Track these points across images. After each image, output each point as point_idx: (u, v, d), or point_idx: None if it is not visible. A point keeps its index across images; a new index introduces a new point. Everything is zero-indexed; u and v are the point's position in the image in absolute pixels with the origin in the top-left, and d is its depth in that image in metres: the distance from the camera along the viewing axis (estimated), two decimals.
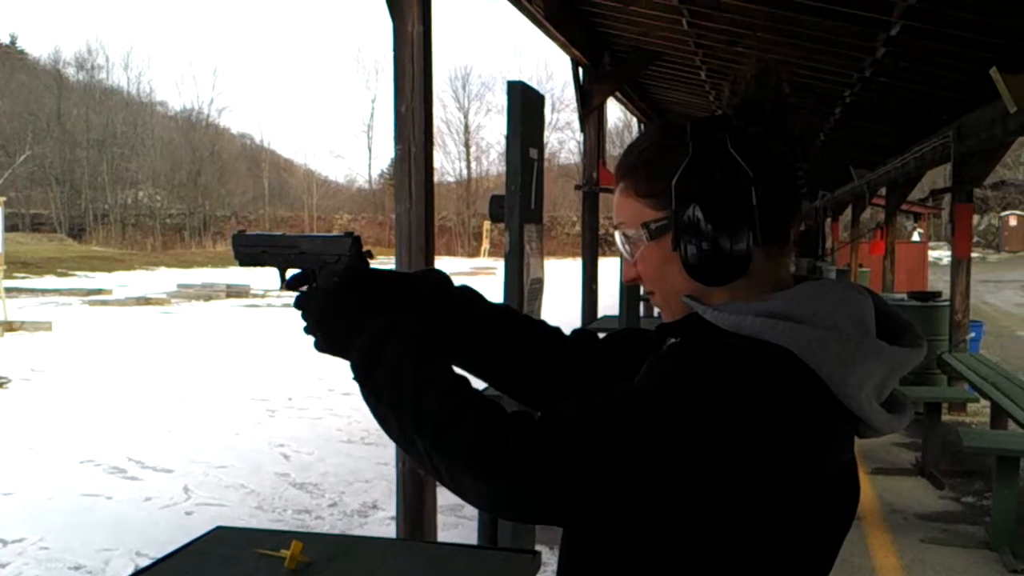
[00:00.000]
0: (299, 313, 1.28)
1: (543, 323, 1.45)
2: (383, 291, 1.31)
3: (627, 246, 1.19)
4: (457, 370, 1.18)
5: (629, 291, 7.23)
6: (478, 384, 1.18)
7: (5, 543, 5.18)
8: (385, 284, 1.32)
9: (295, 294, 1.32)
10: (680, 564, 1.05)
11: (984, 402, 7.18)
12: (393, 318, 1.21)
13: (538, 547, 2.60)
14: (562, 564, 1.21)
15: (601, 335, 1.45)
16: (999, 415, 6.80)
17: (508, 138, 3.43)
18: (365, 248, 1.34)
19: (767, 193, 1.08)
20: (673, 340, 1.20)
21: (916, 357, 1.13)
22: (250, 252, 1.42)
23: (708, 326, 1.10)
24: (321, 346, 1.26)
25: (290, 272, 1.39)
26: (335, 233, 1.38)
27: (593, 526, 1.10)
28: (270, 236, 1.41)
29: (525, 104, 3.40)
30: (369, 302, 1.25)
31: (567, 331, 1.46)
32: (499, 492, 1.03)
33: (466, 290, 1.41)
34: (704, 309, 1.11)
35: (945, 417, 7.35)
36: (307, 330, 1.27)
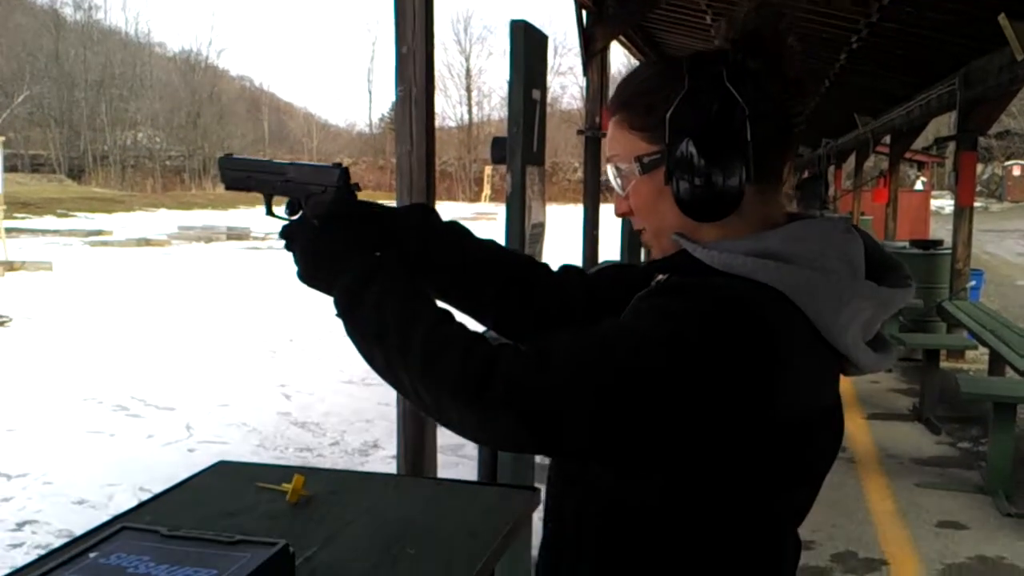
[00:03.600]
0: (283, 243, 1.28)
1: (530, 258, 1.45)
2: (369, 226, 1.31)
3: (619, 180, 1.18)
4: (442, 305, 1.19)
5: (630, 237, 7.22)
6: (464, 320, 1.18)
7: (9, 477, 5.24)
8: (371, 219, 1.32)
9: (281, 226, 1.32)
10: (661, 493, 1.07)
11: (983, 349, 7.21)
12: (377, 255, 1.22)
13: (537, 484, 2.63)
14: (550, 493, 1.23)
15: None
16: (997, 362, 6.83)
17: (510, 79, 3.39)
18: (353, 181, 1.33)
19: (762, 129, 1.07)
20: (661, 277, 1.21)
21: (905, 297, 1.13)
22: (236, 176, 1.41)
23: (697, 264, 1.10)
24: (304, 278, 1.26)
25: (277, 202, 1.38)
26: (324, 163, 1.36)
27: (576, 455, 1.11)
28: (257, 161, 1.40)
29: (528, 44, 3.37)
30: (354, 238, 1.25)
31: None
32: (486, 420, 1.04)
33: (453, 225, 1.40)
34: (694, 247, 1.10)
35: (943, 364, 7.38)
36: (294, 260, 1.27)
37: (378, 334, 1.13)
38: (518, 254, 1.45)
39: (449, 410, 1.07)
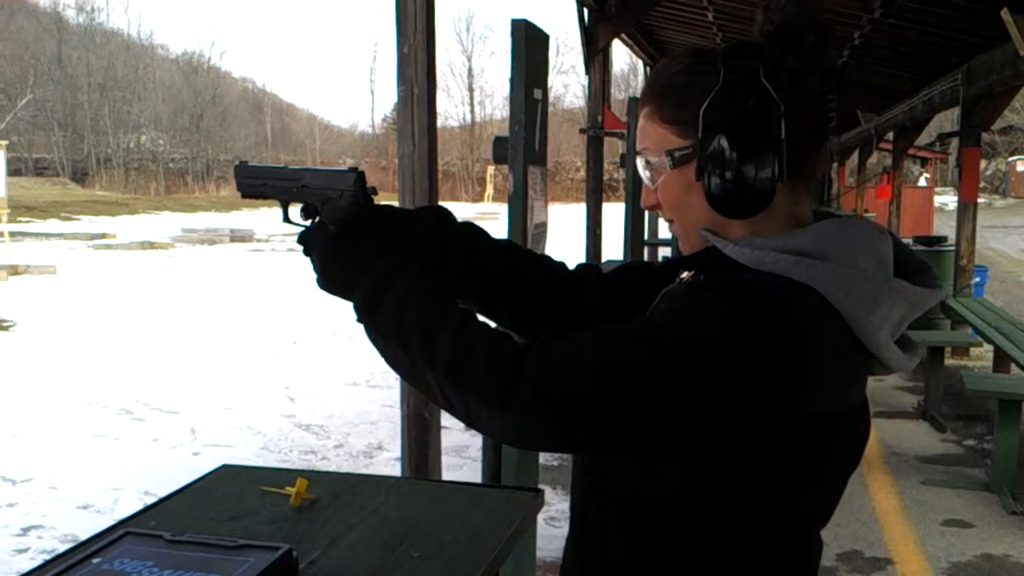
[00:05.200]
0: (301, 249, 1.28)
1: (548, 257, 1.44)
2: (386, 230, 1.30)
3: (648, 172, 1.16)
4: (461, 305, 1.18)
5: (633, 236, 7.21)
6: (483, 320, 1.18)
7: (14, 483, 5.24)
8: (388, 222, 1.32)
9: (298, 233, 1.31)
10: (686, 491, 1.06)
11: (987, 346, 7.19)
12: (397, 258, 1.21)
13: (541, 486, 2.62)
14: (575, 490, 1.23)
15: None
16: (1002, 359, 6.81)
17: (512, 78, 3.38)
18: (370, 184, 1.32)
19: (796, 127, 1.06)
20: (687, 274, 1.20)
21: (935, 297, 1.12)
22: (252, 184, 1.40)
23: (727, 260, 1.09)
24: (323, 285, 1.25)
25: (293, 208, 1.37)
26: (339, 168, 1.36)
27: (605, 453, 1.11)
28: (273, 168, 1.39)
29: (529, 43, 3.36)
30: (372, 242, 1.25)
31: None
32: (515, 419, 1.04)
33: (469, 225, 1.40)
34: (724, 244, 1.09)
35: (948, 361, 7.37)
36: (313, 268, 1.27)
37: (401, 338, 1.12)
38: (534, 253, 1.44)
39: (477, 411, 1.07)
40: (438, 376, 1.08)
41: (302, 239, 1.29)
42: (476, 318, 1.13)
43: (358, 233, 1.26)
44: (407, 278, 1.17)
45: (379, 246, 1.24)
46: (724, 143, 1.05)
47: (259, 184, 1.39)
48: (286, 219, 1.38)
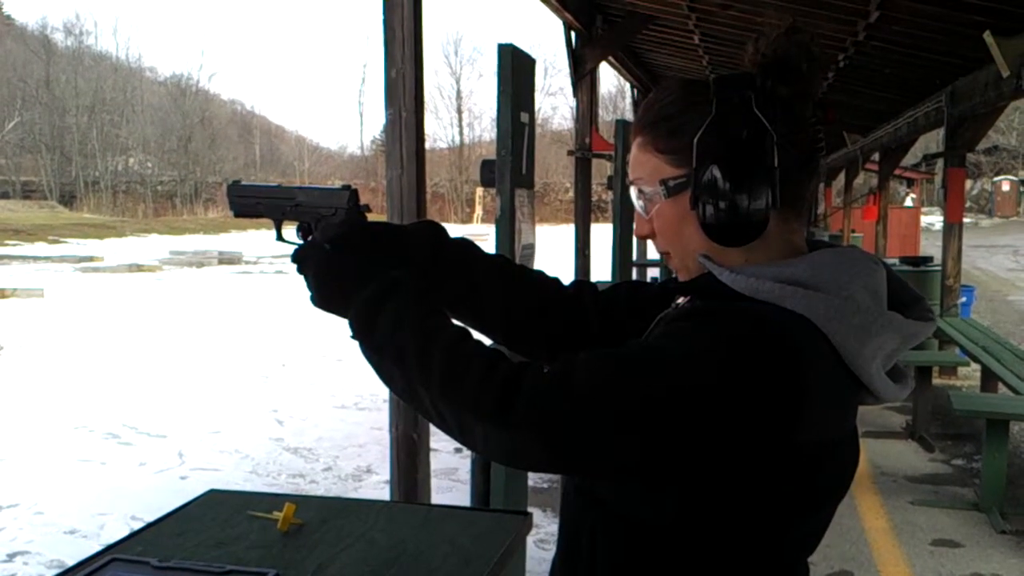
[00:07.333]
0: (295, 267, 1.28)
1: (542, 273, 1.44)
2: (380, 247, 1.30)
3: (642, 202, 1.17)
4: (455, 321, 1.19)
5: (622, 257, 7.22)
6: (478, 337, 1.18)
7: None
8: (382, 239, 1.32)
9: (290, 252, 1.31)
10: (676, 514, 1.07)
11: (975, 366, 7.21)
12: (392, 275, 1.21)
13: (530, 509, 2.62)
14: (564, 510, 1.23)
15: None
16: (989, 379, 6.84)
17: (498, 103, 3.40)
18: (363, 202, 1.33)
19: (788, 156, 1.07)
20: (683, 299, 1.20)
21: (927, 330, 1.13)
22: (245, 203, 1.40)
23: (722, 288, 1.10)
24: (318, 303, 1.26)
25: (287, 225, 1.37)
26: (333, 186, 1.36)
27: (598, 475, 1.11)
28: (266, 187, 1.39)
29: (515, 67, 3.38)
30: (367, 259, 1.25)
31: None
32: (509, 437, 1.04)
33: (462, 241, 1.40)
34: (720, 271, 1.10)
35: (936, 381, 7.39)
36: (307, 285, 1.26)
37: (396, 355, 1.12)
38: (528, 269, 1.44)
39: (471, 429, 1.07)
40: (432, 393, 1.09)
41: (296, 257, 1.29)
42: (471, 335, 1.13)
43: (353, 250, 1.26)
44: (402, 295, 1.17)
45: (374, 263, 1.24)
46: (718, 172, 1.07)
47: (252, 203, 1.39)
48: (279, 238, 1.38)
